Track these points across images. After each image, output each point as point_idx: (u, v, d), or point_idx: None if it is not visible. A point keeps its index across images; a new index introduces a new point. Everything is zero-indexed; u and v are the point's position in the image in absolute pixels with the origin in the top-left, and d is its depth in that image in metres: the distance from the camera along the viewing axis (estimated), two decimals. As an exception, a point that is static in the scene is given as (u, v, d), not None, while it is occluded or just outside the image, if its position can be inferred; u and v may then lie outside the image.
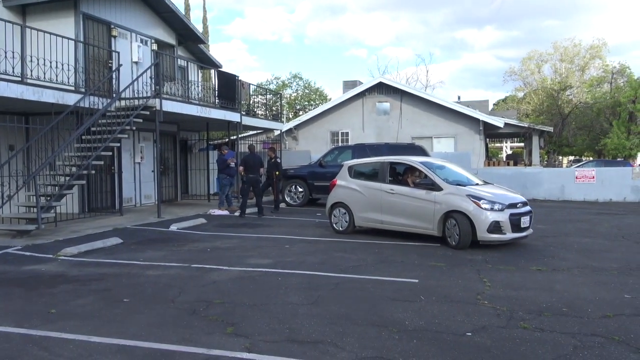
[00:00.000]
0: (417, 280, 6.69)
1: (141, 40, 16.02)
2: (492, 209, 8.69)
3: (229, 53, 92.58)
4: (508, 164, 25.66)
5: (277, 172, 15.21)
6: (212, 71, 19.17)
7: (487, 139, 33.63)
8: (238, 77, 17.43)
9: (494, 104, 67.68)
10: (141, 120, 13.04)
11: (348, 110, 27.14)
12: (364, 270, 7.40)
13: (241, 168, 14.25)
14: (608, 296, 5.91)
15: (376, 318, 5.15)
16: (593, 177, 17.89)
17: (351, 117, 27.01)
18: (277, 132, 24.96)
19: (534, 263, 7.73)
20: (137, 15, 15.92)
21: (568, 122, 35.94)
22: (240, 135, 19.25)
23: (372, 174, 10.81)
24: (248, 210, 14.16)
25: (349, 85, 30.91)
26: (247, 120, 18.33)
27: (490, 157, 33.38)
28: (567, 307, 5.46)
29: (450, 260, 7.96)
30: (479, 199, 8.82)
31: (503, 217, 8.68)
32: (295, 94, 49.06)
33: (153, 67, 14.01)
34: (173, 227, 11.47)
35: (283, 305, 5.63)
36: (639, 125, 32.84)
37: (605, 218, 13.15)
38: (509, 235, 8.75)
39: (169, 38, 17.57)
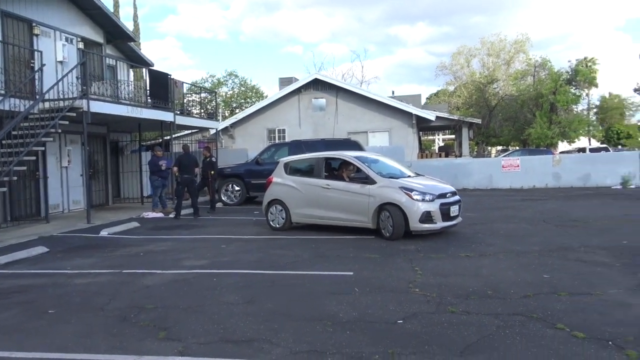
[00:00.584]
0: (352, 273, 6.81)
1: (66, 39, 15.29)
2: (423, 200, 8.97)
3: (163, 51, 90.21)
4: (440, 156, 26.51)
5: (212, 172, 14.99)
6: (144, 70, 18.60)
7: (420, 132, 34.59)
8: (170, 75, 17.03)
9: (427, 98, 69.61)
10: (67, 122, 12.47)
11: (284, 107, 27.14)
12: (300, 265, 7.46)
13: (175, 168, 13.94)
14: (529, 277, 6.26)
15: (311, 312, 5.21)
16: (518, 166, 18.84)
17: (288, 113, 27.02)
18: (212, 131, 24.57)
19: (462, 250, 8.06)
20: (61, 12, 15.17)
21: (495, 114, 37.60)
22: (174, 135, 18.82)
23: (308, 170, 10.89)
24: (183, 212, 13.89)
25: (284, 82, 30.90)
26: (181, 120, 17.91)
27: (424, 150, 34.39)
28: (492, 290, 5.74)
29: (384, 252, 8.16)
30: (411, 190, 9.08)
31: (434, 207, 8.98)
32: (231, 92, 48.48)
33: (79, 66, 13.43)
34: (104, 233, 11.07)
35: (218, 305, 5.58)
36: (560, 116, 34.87)
37: (529, 204, 13.88)
38: (440, 224, 9.06)
39: (97, 36, 16.87)
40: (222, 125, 26.63)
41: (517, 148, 37.95)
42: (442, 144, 52.59)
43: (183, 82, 19.51)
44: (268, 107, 27.41)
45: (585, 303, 5.18)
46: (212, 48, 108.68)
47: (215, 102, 28.83)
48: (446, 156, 25.68)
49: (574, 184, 18.22)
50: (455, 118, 29.50)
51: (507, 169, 18.90)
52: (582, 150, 36.14)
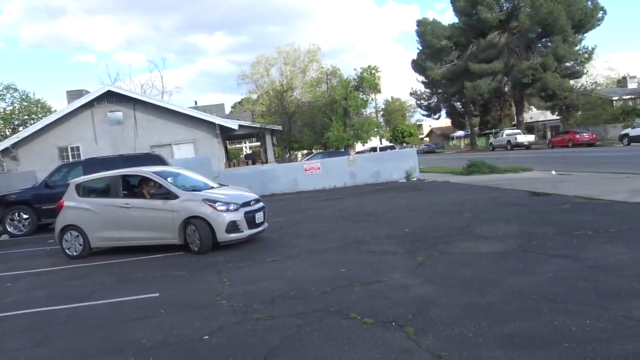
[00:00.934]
0: (157, 294, 6.55)
1: None
2: (227, 210, 9.03)
3: None
4: (247, 164, 27.00)
5: (-11, 201, 13.07)
6: None
7: (227, 141, 34.81)
8: None
9: (232, 107, 70.30)
10: None
11: (77, 122, 24.90)
12: (101, 294, 6.92)
13: (-62, 201, 11.80)
14: (328, 273, 6.73)
15: (111, 344, 4.88)
16: (319, 168, 20.10)
17: (81, 129, 24.84)
18: (-12, 154, 21.47)
19: (269, 255, 8.32)
20: None
21: (294, 120, 39.66)
22: None
23: (104, 190, 10.17)
24: (-46, 251, 11.86)
25: (74, 95, 28.37)
26: (-58, 143, 15.28)
27: (232, 159, 34.71)
28: (295, 291, 6.03)
29: (192, 267, 8.01)
30: (215, 201, 9.08)
31: (239, 216, 9.10)
32: (10, 108, 42.88)
33: None
34: None
35: (-1, 355, 4.90)
36: (352, 119, 38.20)
37: (330, 203, 14.91)
38: (247, 232, 9.22)
39: None
40: (1, 146, 23.43)
41: (321, 151, 40.58)
42: (250, 151, 53.59)
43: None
44: (57, 123, 24.86)
45: (374, 291, 5.76)
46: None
47: (-11, 120, 25.21)
48: (253, 163, 26.24)
49: (367, 180, 20.09)
50: (257, 126, 30.34)
51: (310, 172, 20.04)
52: (374, 149, 40.00)
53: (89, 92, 26.68)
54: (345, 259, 7.47)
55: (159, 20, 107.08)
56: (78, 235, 9.90)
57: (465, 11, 50.10)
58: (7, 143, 24.49)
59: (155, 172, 9.90)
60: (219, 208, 8.98)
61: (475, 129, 59.73)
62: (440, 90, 58.63)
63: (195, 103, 42.72)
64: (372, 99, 47.29)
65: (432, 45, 52.31)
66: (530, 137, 45.75)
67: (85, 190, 10.25)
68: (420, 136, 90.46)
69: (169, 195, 9.31)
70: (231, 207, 9.09)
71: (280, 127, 33.29)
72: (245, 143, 57.62)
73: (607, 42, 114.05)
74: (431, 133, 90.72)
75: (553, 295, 4.99)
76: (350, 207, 13.46)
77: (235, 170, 22.76)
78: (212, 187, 10.16)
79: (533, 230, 8.02)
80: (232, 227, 8.99)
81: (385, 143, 57.39)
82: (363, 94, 41.39)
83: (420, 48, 55.52)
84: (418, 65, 56.07)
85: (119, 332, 5.23)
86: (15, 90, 42.51)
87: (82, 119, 24.84)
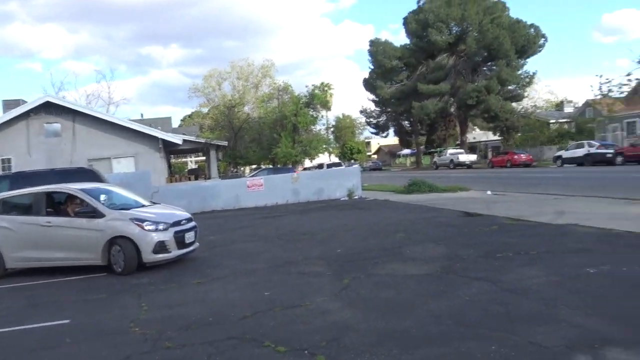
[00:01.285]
0: (68, 321, 6.20)
1: None
2: (156, 230, 8.75)
3: None
4: (190, 179, 26.46)
5: None
6: None
7: (172, 156, 34.08)
8: None
9: (181, 120, 69.23)
10: None
11: (10, 133, 23.75)
12: (6, 321, 6.48)
13: None
14: (252, 297, 6.57)
15: (4, 378, 4.56)
16: (262, 185, 19.90)
17: (14, 140, 23.70)
18: None
19: (196, 276, 8.07)
20: None
21: (241, 136, 39.37)
22: None
23: (26, 207, 9.66)
24: None
25: (10, 104, 27.17)
26: None
27: (175, 173, 33.96)
28: (213, 316, 5.83)
29: (113, 289, 7.67)
30: (143, 221, 8.78)
31: (167, 236, 8.82)
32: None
33: None
34: None
35: None
36: (301, 135, 38.31)
37: (269, 221, 14.73)
38: (175, 252, 8.94)
39: None
40: None
41: (270, 166, 40.35)
42: (195, 166, 52.66)
43: None
44: (-12, 133, 23.64)
45: (294, 315, 5.64)
46: None
47: None
48: (196, 179, 25.73)
49: (310, 198, 20.03)
50: (202, 141, 29.87)
51: (252, 189, 19.79)
52: (321, 166, 40.14)
53: (25, 101, 25.57)
54: (272, 281, 7.33)
55: (112, 30, 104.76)
56: (-7, 255, 9.33)
57: (416, 33, 51.43)
58: None
59: (82, 189, 9.48)
60: (146, 228, 8.69)
61: (421, 147, 61.11)
62: (389, 109, 59.71)
63: (142, 116, 41.78)
64: (322, 116, 47.65)
65: (383, 65, 53.32)
66: (472, 157, 47.20)
67: (6, 207, 9.74)
68: (369, 153, 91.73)
69: (94, 213, 8.93)
70: (160, 227, 8.81)
71: (225, 143, 32.92)
72: (191, 157, 56.60)
73: (549, 67, 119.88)
74: (379, 150, 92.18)
75: (467, 319, 5.03)
76: (287, 226, 13.34)
77: (176, 185, 22.25)
78: (144, 205, 9.84)
79: (459, 252, 8.15)
80: (160, 247, 8.71)
81: (335, 159, 57.81)
82: (313, 111, 41.66)
83: (372, 67, 56.48)
84: (369, 84, 56.96)
85: (18, 363, 4.90)
86: (-54, 97, 40.30)
87: (17, 130, 23.73)
